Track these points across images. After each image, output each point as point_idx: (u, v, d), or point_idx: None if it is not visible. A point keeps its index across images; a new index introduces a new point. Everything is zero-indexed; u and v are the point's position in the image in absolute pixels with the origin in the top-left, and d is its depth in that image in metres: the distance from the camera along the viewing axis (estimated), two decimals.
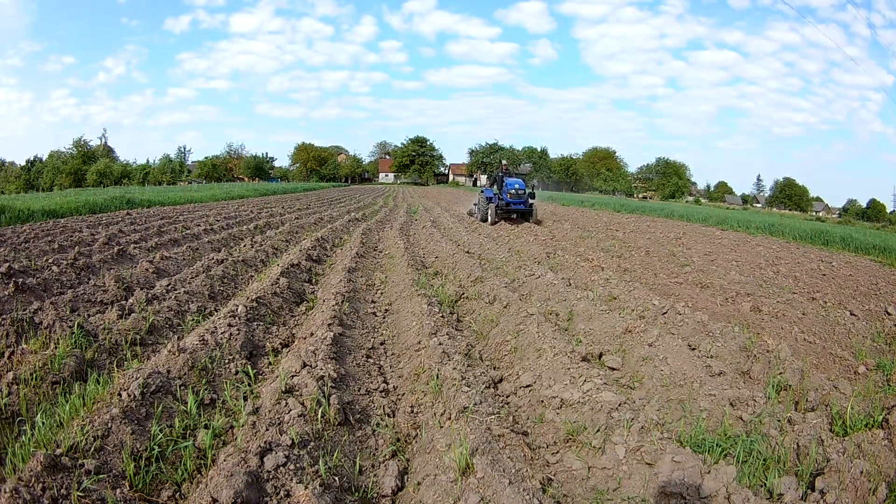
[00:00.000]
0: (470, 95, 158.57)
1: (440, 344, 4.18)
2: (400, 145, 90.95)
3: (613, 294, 6.52)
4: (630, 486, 2.66)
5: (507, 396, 3.79)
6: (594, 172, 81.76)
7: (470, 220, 18.29)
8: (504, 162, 19.03)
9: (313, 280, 7.38)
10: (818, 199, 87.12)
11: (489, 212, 16.92)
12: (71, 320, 4.40)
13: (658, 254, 11.44)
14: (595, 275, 7.65)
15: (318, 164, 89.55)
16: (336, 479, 2.61)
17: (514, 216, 17.52)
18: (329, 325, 4.59)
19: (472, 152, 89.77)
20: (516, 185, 16.88)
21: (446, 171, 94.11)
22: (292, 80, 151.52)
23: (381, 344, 4.84)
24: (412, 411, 3.45)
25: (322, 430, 2.97)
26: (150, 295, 5.43)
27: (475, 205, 19.70)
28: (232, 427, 3.09)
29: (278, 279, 6.32)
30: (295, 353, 3.93)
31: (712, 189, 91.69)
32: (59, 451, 2.45)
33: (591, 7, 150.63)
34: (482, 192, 18.37)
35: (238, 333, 4.32)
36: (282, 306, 5.71)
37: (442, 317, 5.19)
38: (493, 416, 3.10)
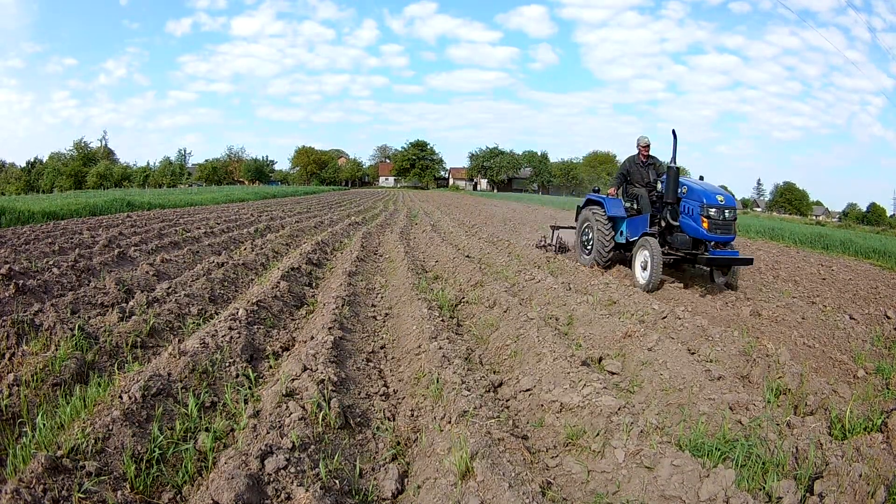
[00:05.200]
0: (470, 99, 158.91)
1: (440, 348, 4.19)
2: (400, 149, 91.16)
3: (613, 298, 6.53)
4: (629, 489, 2.66)
5: (506, 400, 3.79)
6: (595, 176, 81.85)
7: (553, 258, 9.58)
8: (645, 139, 8.48)
9: (314, 284, 7.39)
10: (818, 203, 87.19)
11: (650, 260, 7.37)
12: (71, 322, 4.41)
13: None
14: (595, 279, 7.66)
15: (319, 168, 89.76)
16: (336, 482, 2.61)
17: (685, 264, 8.40)
18: (329, 328, 4.60)
19: (472, 156, 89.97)
20: (720, 197, 7.26)
21: (447, 176, 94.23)
22: (293, 83, 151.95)
23: (382, 348, 4.84)
24: (412, 415, 3.46)
25: (322, 433, 2.98)
26: (150, 297, 5.44)
27: (555, 229, 10.90)
28: (233, 430, 3.09)
29: (279, 283, 6.33)
30: (295, 357, 3.94)
31: None
32: (59, 453, 2.46)
33: (592, 11, 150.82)
34: (594, 204, 9.05)
35: (239, 337, 4.33)
36: (282, 310, 5.72)
37: (442, 321, 5.20)
38: (493, 420, 3.11)
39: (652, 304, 5.98)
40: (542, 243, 11.02)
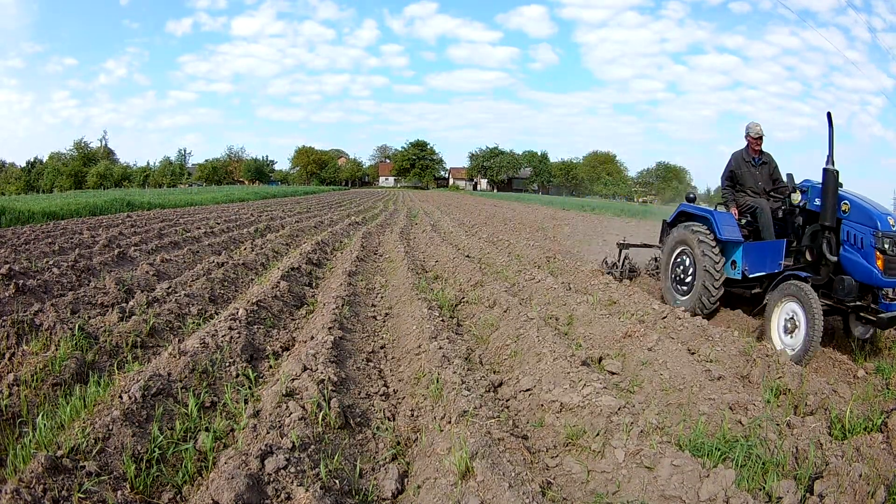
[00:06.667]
0: (470, 99, 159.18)
1: (440, 348, 4.19)
2: (400, 149, 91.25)
3: (613, 298, 6.53)
4: (629, 489, 2.66)
5: (506, 400, 3.79)
6: (594, 177, 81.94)
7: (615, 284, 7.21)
8: (756, 128, 6.19)
9: (314, 284, 7.39)
10: None
11: (805, 319, 4.72)
12: (71, 322, 4.41)
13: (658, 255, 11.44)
14: (595, 279, 7.66)
15: (319, 168, 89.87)
16: (336, 482, 2.61)
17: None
18: (329, 328, 4.60)
19: (472, 156, 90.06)
20: (892, 220, 4.79)
21: (447, 175, 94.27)
22: (293, 83, 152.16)
23: (382, 348, 4.85)
24: (412, 415, 3.46)
25: (322, 433, 2.98)
26: (150, 297, 5.44)
27: (623, 247, 8.48)
28: (233, 430, 3.09)
29: (279, 282, 6.33)
30: (295, 357, 3.94)
31: (712, 193, 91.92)
32: (59, 453, 2.46)
33: (592, 11, 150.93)
34: (693, 219, 6.57)
35: (239, 336, 4.33)
36: (282, 310, 5.72)
37: (442, 321, 5.20)
38: (492, 420, 3.11)
39: (652, 304, 5.98)
40: (607, 266, 8.53)
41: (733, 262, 6.09)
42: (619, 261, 8.53)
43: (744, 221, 6.20)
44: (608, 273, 8.14)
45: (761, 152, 6.23)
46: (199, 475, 2.71)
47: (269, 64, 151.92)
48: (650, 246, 8.43)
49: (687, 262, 6.48)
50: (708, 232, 6.16)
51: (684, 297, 6.47)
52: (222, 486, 2.31)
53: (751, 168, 6.23)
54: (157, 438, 2.81)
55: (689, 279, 6.45)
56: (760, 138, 6.16)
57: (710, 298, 6.05)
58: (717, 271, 6.00)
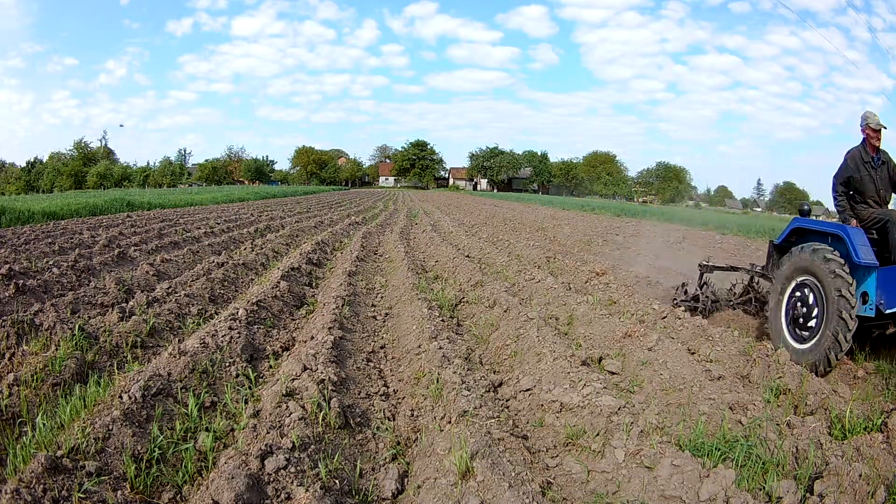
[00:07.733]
0: (471, 99, 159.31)
1: (440, 348, 4.19)
2: (400, 149, 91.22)
3: (613, 298, 6.53)
4: (629, 489, 2.66)
5: (506, 400, 3.80)
6: (594, 177, 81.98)
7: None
8: (874, 118, 4.88)
9: (314, 284, 7.39)
10: (818, 203, 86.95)
11: None
12: (71, 322, 4.41)
13: (660, 256, 11.46)
14: (595, 279, 7.66)
15: (319, 168, 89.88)
16: (336, 482, 2.61)
17: None
18: (329, 328, 4.60)
19: (472, 156, 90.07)
20: None
21: (447, 175, 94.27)
22: (293, 83, 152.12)
23: (382, 348, 4.84)
24: (412, 415, 3.46)
25: (322, 433, 2.98)
26: (150, 297, 5.44)
27: (706, 270, 6.72)
28: (233, 430, 3.09)
29: (279, 283, 6.33)
30: (295, 357, 3.94)
31: (712, 193, 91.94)
32: (59, 453, 2.46)
33: (592, 11, 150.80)
34: (815, 237, 5.07)
35: (239, 336, 4.33)
36: (282, 310, 5.72)
37: (442, 321, 5.20)
38: (493, 420, 3.11)
39: (652, 304, 5.98)
40: (685, 297, 6.66)
41: (864, 295, 4.61)
42: (700, 288, 6.69)
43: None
44: (684, 306, 6.34)
45: (879, 149, 4.98)
46: (199, 475, 2.71)
47: (269, 64, 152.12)
48: (737, 269, 6.78)
49: (810, 298, 4.86)
50: (837, 256, 4.66)
51: (805, 346, 4.77)
52: (222, 486, 2.31)
53: (870, 170, 4.95)
54: (157, 438, 2.81)
55: (813, 321, 4.81)
56: (880, 131, 4.89)
57: (839, 350, 4.44)
58: (852, 311, 4.42)
